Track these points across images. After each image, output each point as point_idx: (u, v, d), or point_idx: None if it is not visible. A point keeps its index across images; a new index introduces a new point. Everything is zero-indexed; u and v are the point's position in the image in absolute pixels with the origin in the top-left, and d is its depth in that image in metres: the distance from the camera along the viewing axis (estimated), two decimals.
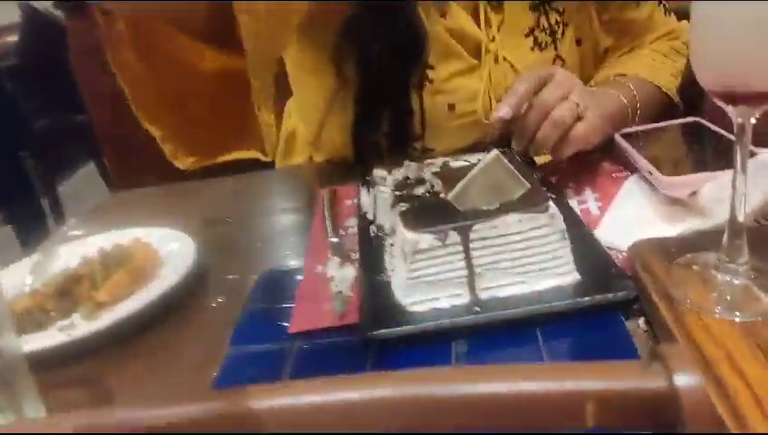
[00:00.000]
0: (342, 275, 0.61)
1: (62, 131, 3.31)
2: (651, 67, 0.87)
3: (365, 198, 0.73)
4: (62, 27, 2.89)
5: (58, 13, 2.88)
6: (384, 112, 0.82)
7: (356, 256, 0.64)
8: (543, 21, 0.85)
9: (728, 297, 0.46)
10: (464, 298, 0.52)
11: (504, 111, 0.69)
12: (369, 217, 0.68)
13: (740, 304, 0.45)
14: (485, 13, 0.83)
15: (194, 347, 0.58)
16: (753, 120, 0.43)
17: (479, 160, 0.60)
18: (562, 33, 0.86)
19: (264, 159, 0.62)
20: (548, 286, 0.52)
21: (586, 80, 0.88)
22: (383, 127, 0.82)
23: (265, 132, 0.56)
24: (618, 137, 0.74)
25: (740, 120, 0.43)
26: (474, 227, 0.51)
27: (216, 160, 0.65)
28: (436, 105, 0.83)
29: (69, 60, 2.46)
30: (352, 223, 0.73)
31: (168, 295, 0.62)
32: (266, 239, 0.75)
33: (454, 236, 0.51)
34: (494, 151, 0.52)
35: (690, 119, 0.76)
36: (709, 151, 0.70)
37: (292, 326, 0.56)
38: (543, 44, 0.85)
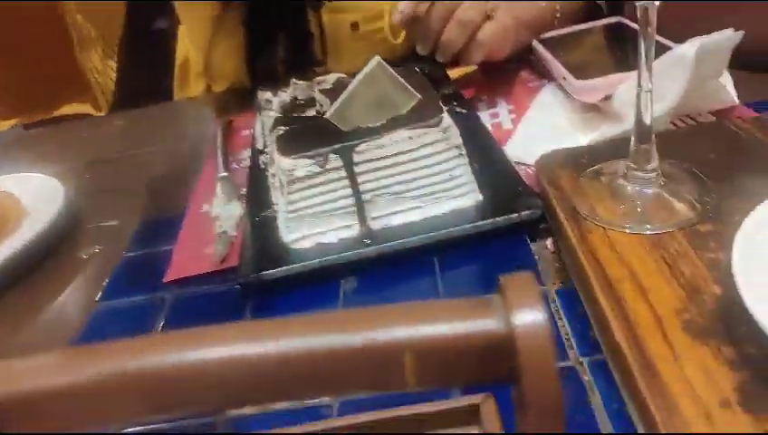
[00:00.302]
0: (228, 214, 0.55)
1: None
2: None
3: (258, 126, 0.66)
4: None
5: None
6: (278, 35, 0.74)
7: (242, 191, 0.58)
8: None
9: (638, 209, 0.41)
10: (353, 230, 0.46)
11: (404, 7, 0.61)
12: (260, 146, 0.61)
13: (650, 216, 0.40)
14: None
15: (63, 303, 0.51)
16: (656, 3, 0.37)
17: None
18: None
19: (96, 113, 0.54)
20: (446, 210, 0.46)
21: None
22: (279, 52, 0.74)
23: (94, 81, 0.48)
24: (536, 42, 0.68)
25: (643, 3, 0.37)
26: (357, 148, 0.44)
27: (43, 117, 0.57)
28: (338, 25, 0.75)
29: None
30: (246, 155, 0.66)
31: (31, 247, 0.55)
32: (153, 180, 0.67)
33: (335, 160, 0.44)
34: (376, 58, 0.45)
35: (612, 19, 0.70)
36: (630, 52, 0.64)
37: (168, 274, 0.49)
38: None
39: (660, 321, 0.32)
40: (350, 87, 0.46)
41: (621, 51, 0.65)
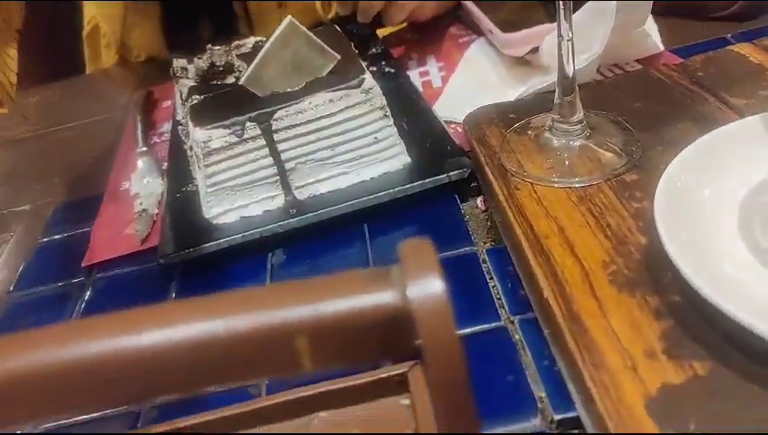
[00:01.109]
0: (148, 191, 0.52)
1: None
2: None
3: (177, 96, 0.62)
4: None
5: None
6: (199, 16, 0.70)
7: (162, 166, 0.55)
8: None
9: (565, 162, 0.41)
10: (277, 201, 0.44)
11: None
12: (179, 117, 0.58)
13: (576, 169, 0.40)
14: None
15: None
16: None
17: None
18: None
19: None
20: (374, 175, 0.45)
21: None
22: (201, 32, 0.71)
23: None
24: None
25: None
26: (276, 115, 0.42)
27: None
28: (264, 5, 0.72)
29: None
30: (168, 128, 0.63)
31: None
32: (68, 160, 0.64)
33: (252, 129, 0.42)
34: (288, 18, 0.43)
35: None
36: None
37: (86, 258, 0.47)
38: None
39: (587, 275, 0.32)
40: (263, 50, 0.43)
41: (549, 4, 0.64)
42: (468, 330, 0.34)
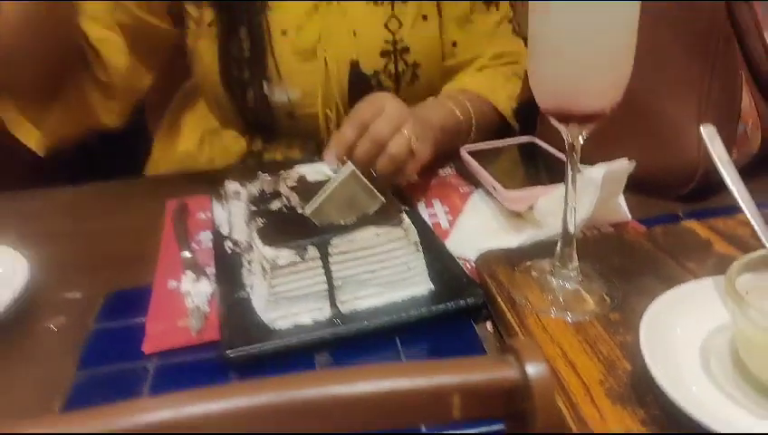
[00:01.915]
0: (198, 290, 0.60)
1: None
2: (491, 88, 0.94)
3: (219, 211, 0.72)
4: None
5: None
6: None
7: (211, 270, 0.63)
8: None
9: (561, 300, 0.51)
10: (325, 312, 0.53)
11: (330, 159, 0.70)
12: (224, 231, 0.67)
13: (571, 306, 0.50)
14: None
15: (33, 374, 0.53)
16: (581, 140, 0.48)
17: (335, 173, 0.62)
18: (403, 1, 0.92)
19: None
20: (404, 296, 0.54)
21: (432, 54, 0.95)
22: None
23: None
24: (464, 153, 0.80)
25: (570, 138, 0.49)
26: (332, 242, 0.52)
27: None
28: (275, 35, 0.88)
29: None
30: (204, 237, 0.71)
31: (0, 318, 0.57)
32: (111, 254, 0.71)
33: (313, 251, 0.52)
34: (350, 167, 0.54)
35: (526, 138, 0.83)
36: (542, 168, 0.77)
37: (147, 346, 0.54)
38: (378, 2, 0.91)
39: (588, 389, 0.42)
40: (327, 189, 0.54)
41: (538, 166, 0.77)
42: (485, 429, 0.42)
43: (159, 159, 1.02)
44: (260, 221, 0.56)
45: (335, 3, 0.90)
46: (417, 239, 0.55)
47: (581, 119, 0.46)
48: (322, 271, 0.52)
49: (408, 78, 0.94)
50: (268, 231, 0.54)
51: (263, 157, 0.97)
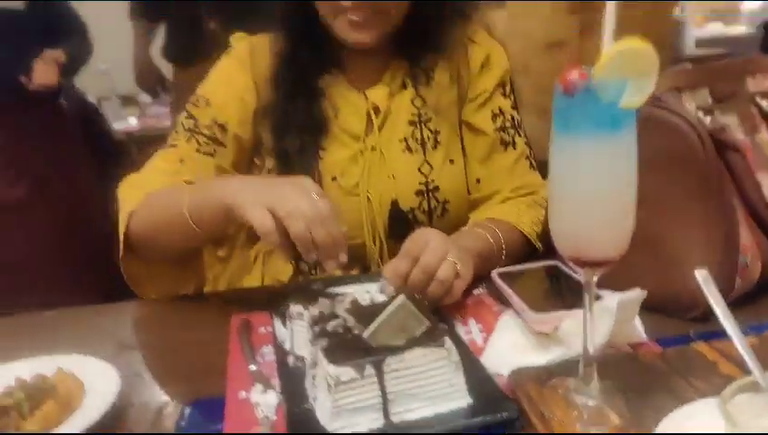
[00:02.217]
0: (266, 401, 0.69)
1: None
2: (515, 215, 1.05)
3: (281, 329, 0.82)
4: None
5: None
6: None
7: (276, 382, 0.72)
8: (417, 133, 1.08)
9: (585, 415, 0.59)
10: (379, 422, 0.61)
11: (389, 290, 0.80)
12: (287, 347, 0.76)
13: (593, 420, 0.58)
14: (369, 114, 1.06)
15: None
16: (595, 279, 0.58)
17: (385, 300, 0.72)
18: (434, 148, 1.08)
19: None
20: (447, 409, 0.63)
21: (459, 191, 1.09)
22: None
23: None
24: (494, 276, 0.89)
25: (586, 278, 0.58)
26: (386, 361, 0.61)
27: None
28: (325, 180, 1.04)
29: None
30: (268, 350, 0.81)
31: (95, 426, 0.66)
32: (182, 366, 0.81)
33: (370, 369, 0.61)
34: (402, 298, 0.64)
35: (551, 262, 0.93)
36: (566, 290, 0.86)
37: None
38: (413, 150, 1.07)
39: None
40: (381, 317, 0.64)
41: (561, 289, 0.87)
42: None
43: (217, 276, 1.13)
44: (324, 341, 0.65)
45: (376, 151, 1.06)
46: (458, 359, 0.64)
47: (594, 264, 0.56)
48: (378, 387, 0.61)
49: (438, 212, 1.07)
50: (332, 351, 0.63)
51: (309, 277, 1.08)
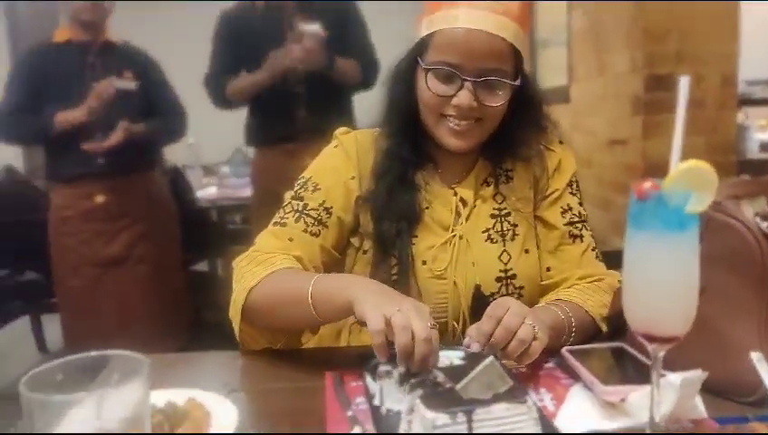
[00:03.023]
0: None
1: (11, 287, 3.36)
2: (583, 298, 1.15)
3: (371, 384, 0.92)
4: (39, 193, 3.08)
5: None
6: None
7: (370, 426, 0.83)
8: (498, 226, 1.22)
9: None
10: None
11: (475, 347, 0.92)
12: (376, 401, 0.87)
13: None
14: (457, 207, 1.21)
15: None
16: (662, 354, 0.68)
17: (467, 357, 0.83)
18: (512, 239, 1.21)
19: None
20: None
21: (533, 278, 1.21)
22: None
23: None
24: (565, 353, 0.99)
25: (654, 353, 0.68)
26: (475, 411, 0.72)
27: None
28: (417, 263, 1.17)
29: (38, 225, 2.63)
30: (360, 401, 0.92)
31: None
32: (285, 407, 0.92)
33: (461, 417, 0.71)
34: (491, 358, 0.75)
35: (616, 344, 1.02)
36: (630, 369, 0.95)
37: None
38: (494, 240, 1.21)
39: None
40: (472, 373, 0.74)
41: (626, 368, 0.95)
42: None
43: (309, 339, 1.26)
44: (420, 392, 0.76)
45: (463, 240, 1.19)
46: (537, 416, 0.73)
47: (663, 340, 0.66)
48: (467, 432, 0.71)
49: (515, 297, 1.18)
50: (428, 399, 0.74)
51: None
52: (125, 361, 0.62)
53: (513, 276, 1.19)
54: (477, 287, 1.18)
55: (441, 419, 0.71)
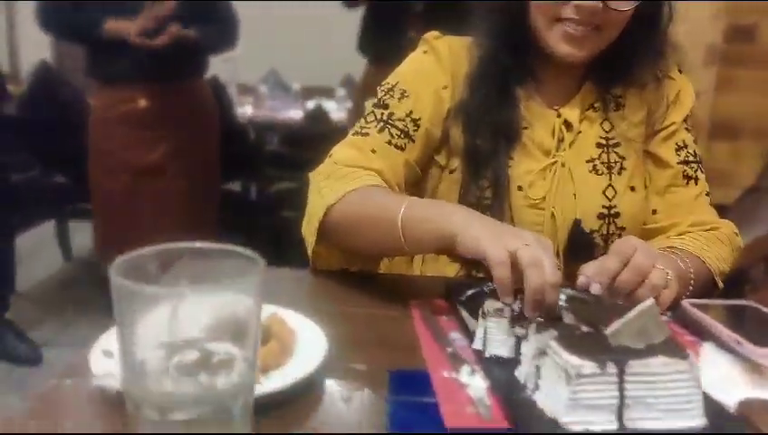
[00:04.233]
0: (476, 384, 0.68)
1: (38, 189, 3.27)
2: (699, 248, 1.02)
3: (470, 320, 0.80)
4: (74, 93, 2.95)
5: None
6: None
7: (477, 368, 0.71)
8: (604, 156, 1.07)
9: None
10: (613, 425, 0.59)
11: (595, 288, 0.78)
12: (477, 344, 0.75)
13: None
14: (560, 130, 1.06)
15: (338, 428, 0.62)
16: None
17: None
18: (618, 173, 1.07)
19: None
20: (680, 425, 0.60)
21: (637, 219, 1.08)
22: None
23: None
24: (688, 306, 0.86)
25: None
26: (629, 363, 0.59)
27: None
28: (512, 188, 1.04)
29: (71, 126, 2.51)
30: (457, 337, 0.80)
31: (310, 375, 0.66)
32: (378, 336, 0.81)
33: (612, 367, 0.59)
34: (651, 301, 0.62)
35: (744, 301, 0.89)
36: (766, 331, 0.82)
37: (449, 422, 0.61)
38: (600, 172, 1.06)
39: None
40: (627, 316, 0.62)
41: (763, 328, 0.82)
42: None
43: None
44: (554, 332, 0.64)
45: (565, 168, 1.05)
46: (699, 375, 0.61)
47: None
48: (617, 387, 0.59)
49: (614, 239, 1.04)
50: (569, 343, 0.62)
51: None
52: (234, 256, 0.50)
53: (617, 215, 1.05)
54: (577, 222, 1.04)
55: (588, 366, 0.59)
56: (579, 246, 1.03)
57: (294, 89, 3.99)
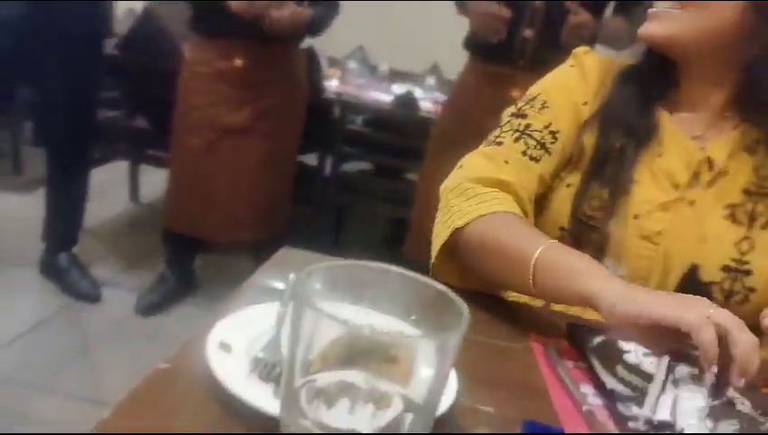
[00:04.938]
0: None
1: (119, 129, 3.30)
2: None
3: (605, 377, 0.72)
4: (172, 43, 2.93)
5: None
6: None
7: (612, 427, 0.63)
8: (749, 205, 0.94)
9: None
10: None
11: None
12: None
13: None
14: (698, 166, 0.95)
15: None
16: None
17: None
18: (762, 227, 0.94)
19: None
20: None
21: None
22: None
23: None
24: None
25: None
26: None
27: None
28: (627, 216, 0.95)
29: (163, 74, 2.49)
30: (589, 392, 0.72)
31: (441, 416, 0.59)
32: (493, 378, 0.74)
33: None
34: None
35: None
36: None
37: None
38: (738, 221, 0.94)
39: None
40: None
41: None
42: None
43: None
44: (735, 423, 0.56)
45: (694, 207, 0.95)
46: None
47: None
48: None
49: (738, 299, 0.94)
50: None
51: None
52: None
53: (747, 272, 0.93)
54: (694, 268, 0.94)
55: None
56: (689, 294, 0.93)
57: (382, 70, 3.92)
